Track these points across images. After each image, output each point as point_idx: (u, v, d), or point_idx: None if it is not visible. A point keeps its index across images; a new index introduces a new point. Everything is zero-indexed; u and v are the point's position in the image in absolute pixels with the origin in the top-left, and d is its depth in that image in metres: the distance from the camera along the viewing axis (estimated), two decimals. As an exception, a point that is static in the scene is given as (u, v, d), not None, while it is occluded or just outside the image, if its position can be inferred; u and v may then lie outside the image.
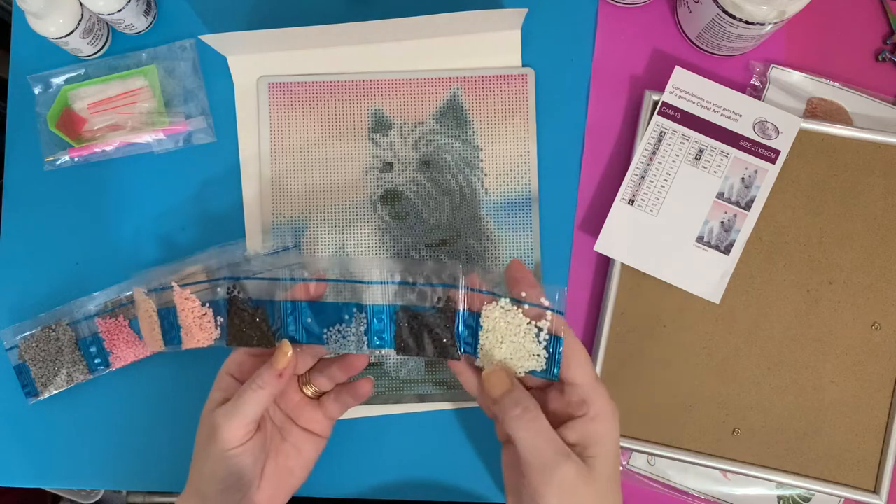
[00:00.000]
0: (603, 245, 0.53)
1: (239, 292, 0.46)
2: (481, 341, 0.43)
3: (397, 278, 0.45)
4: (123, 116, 0.56)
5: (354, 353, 0.45)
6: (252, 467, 0.43)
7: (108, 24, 0.57)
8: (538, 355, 0.43)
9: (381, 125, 0.57)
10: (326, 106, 0.57)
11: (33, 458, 0.55)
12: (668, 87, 0.54)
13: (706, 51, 0.57)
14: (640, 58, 0.58)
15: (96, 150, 0.56)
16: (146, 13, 0.56)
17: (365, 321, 0.44)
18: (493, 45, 0.57)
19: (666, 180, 0.53)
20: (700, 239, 0.52)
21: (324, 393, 0.48)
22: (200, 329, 0.46)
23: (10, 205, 0.57)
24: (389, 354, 0.55)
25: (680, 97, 0.53)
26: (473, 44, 0.57)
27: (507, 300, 0.43)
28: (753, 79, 0.57)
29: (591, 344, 0.55)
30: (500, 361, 0.43)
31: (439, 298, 0.44)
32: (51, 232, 0.57)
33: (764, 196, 0.53)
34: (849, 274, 0.53)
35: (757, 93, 0.56)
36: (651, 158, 0.53)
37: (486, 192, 0.56)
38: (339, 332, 0.45)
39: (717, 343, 0.53)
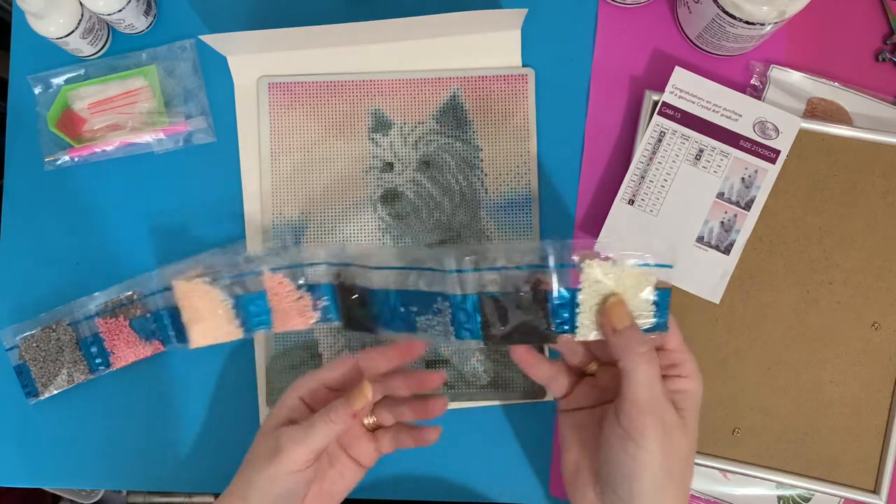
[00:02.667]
0: (603, 245, 0.53)
1: (345, 279, 0.47)
2: (580, 314, 0.41)
3: (473, 265, 0.42)
4: (123, 116, 0.56)
5: (443, 344, 0.45)
6: (303, 490, 0.44)
7: (108, 24, 0.57)
8: (649, 311, 0.41)
9: (381, 125, 0.57)
10: (326, 106, 0.57)
11: (33, 458, 0.55)
12: (668, 87, 0.54)
13: (706, 51, 0.57)
14: (640, 58, 0.58)
15: (96, 150, 0.56)
16: (146, 13, 0.56)
17: (450, 312, 0.43)
18: (493, 45, 0.57)
19: (666, 180, 0.53)
20: (700, 239, 0.52)
21: (380, 426, 0.48)
22: (298, 313, 0.48)
23: (10, 205, 0.57)
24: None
25: (680, 97, 0.53)
26: (473, 44, 0.57)
27: (604, 262, 0.41)
28: (753, 79, 0.57)
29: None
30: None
31: (526, 281, 0.41)
32: (51, 232, 0.57)
33: (764, 196, 0.53)
34: (849, 274, 0.53)
35: (757, 93, 0.56)
36: (651, 158, 0.53)
37: (486, 192, 0.56)
38: (429, 322, 0.44)
39: (717, 343, 0.53)
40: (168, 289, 0.51)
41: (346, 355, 0.52)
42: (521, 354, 0.45)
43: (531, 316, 0.41)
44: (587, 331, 0.42)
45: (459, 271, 0.42)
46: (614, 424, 0.40)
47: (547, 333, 0.42)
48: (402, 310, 0.44)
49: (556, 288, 0.41)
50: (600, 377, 0.45)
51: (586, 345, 0.45)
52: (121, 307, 0.54)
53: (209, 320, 0.49)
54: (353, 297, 0.46)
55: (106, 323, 0.54)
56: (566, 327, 0.42)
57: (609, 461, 0.41)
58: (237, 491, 0.44)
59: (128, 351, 0.54)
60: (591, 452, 0.43)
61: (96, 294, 0.55)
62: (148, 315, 0.53)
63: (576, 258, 0.41)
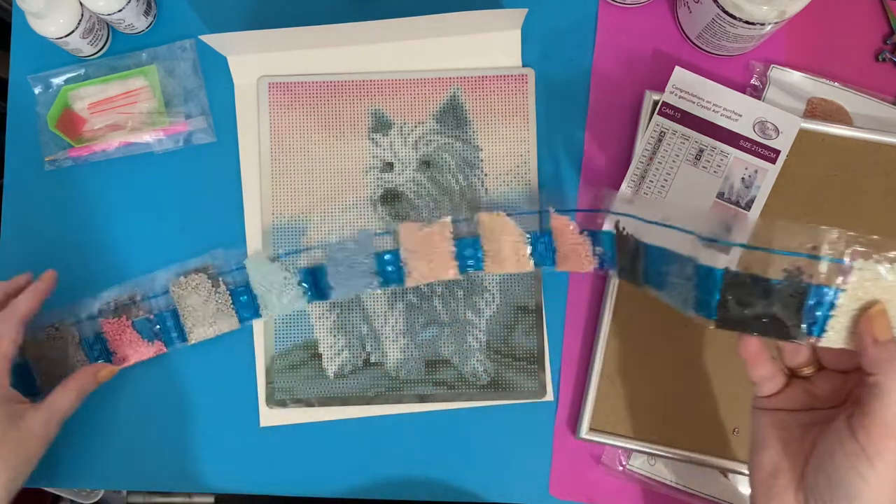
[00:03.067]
0: (603, 245, 0.53)
1: (624, 229, 0.48)
2: (833, 318, 0.37)
3: (737, 239, 0.38)
4: (123, 116, 0.56)
5: (680, 310, 0.42)
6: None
7: (108, 24, 0.57)
8: None
9: (381, 125, 0.57)
10: (326, 106, 0.57)
11: (33, 457, 0.55)
12: (668, 87, 0.54)
13: (706, 51, 0.57)
14: (640, 58, 0.58)
15: (96, 150, 0.56)
16: (146, 13, 0.56)
17: (694, 280, 0.40)
18: (493, 45, 0.57)
19: (666, 180, 0.53)
20: (700, 239, 0.52)
21: None
22: (579, 256, 0.51)
23: (10, 205, 0.57)
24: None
25: (680, 97, 0.53)
26: (473, 44, 0.57)
27: (883, 265, 0.36)
28: (753, 79, 0.57)
29: (591, 344, 0.55)
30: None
31: (784, 269, 0.36)
32: (51, 232, 0.57)
33: (764, 196, 0.53)
34: (849, 274, 0.53)
35: (757, 93, 0.56)
36: (651, 158, 0.53)
37: (486, 192, 0.56)
38: (678, 285, 0.41)
39: (718, 343, 0.53)
40: (167, 292, 0.53)
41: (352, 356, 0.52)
42: (752, 348, 0.41)
43: (778, 308, 0.37)
44: (836, 337, 0.37)
45: (712, 240, 0.38)
46: (847, 439, 0.37)
47: (792, 332, 0.37)
48: (664, 269, 0.43)
49: (821, 283, 0.36)
50: (817, 383, 0.42)
51: (814, 348, 0.42)
52: (124, 307, 0.54)
53: (509, 259, 0.52)
54: (629, 247, 0.47)
55: (109, 323, 0.54)
56: (814, 329, 0.37)
57: (828, 474, 0.37)
58: None
59: (130, 352, 0.54)
60: (795, 456, 0.40)
61: (101, 294, 0.55)
62: (151, 316, 0.54)
63: (847, 255, 0.36)
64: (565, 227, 0.51)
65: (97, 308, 0.54)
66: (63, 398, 0.49)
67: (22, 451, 0.46)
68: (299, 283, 0.54)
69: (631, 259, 0.48)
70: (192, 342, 0.54)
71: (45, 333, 0.54)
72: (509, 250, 0.52)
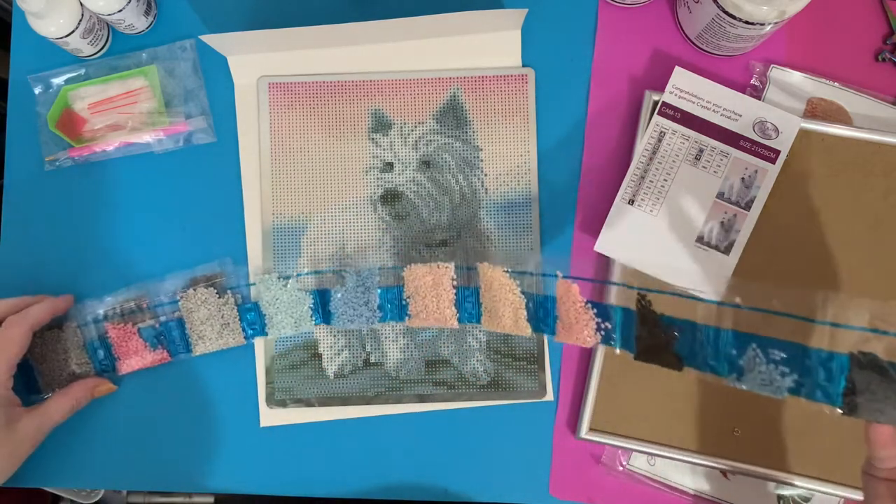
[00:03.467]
0: (603, 245, 0.53)
1: (649, 304, 0.44)
2: None
3: (862, 322, 0.37)
4: (124, 116, 0.56)
5: (772, 395, 0.40)
6: None
7: (108, 24, 0.57)
8: None
9: (381, 125, 0.57)
10: (326, 106, 0.57)
11: (33, 458, 0.55)
12: (668, 87, 0.54)
13: (706, 51, 0.57)
14: (640, 58, 0.58)
15: (96, 150, 0.56)
16: (146, 13, 0.56)
17: (800, 365, 0.39)
18: (493, 45, 0.57)
19: (666, 180, 0.53)
20: (700, 239, 0.52)
21: None
22: (581, 328, 0.46)
23: (10, 205, 0.57)
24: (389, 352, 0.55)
25: (680, 97, 0.53)
26: (473, 44, 0.57)
27: None
28: (753, 79, 0.57)
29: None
30: None
31: None
32: (51, 232, 0.57)
33: (764, 196, 0.53)
34: (848, 274, 0.53)
35: (757, 93, 0.56)
36: (651, 158, 0.53)
37: (486, 192, 0.56)
38: (764, 373, 0.40)
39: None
40: (176, 300, 0.54)
41: (344, 358, 0.53)
42: (885, 436, 0.39)
43: None
44: None
45: (834, 324, 0.37)
46: None
47: None
48: (734, 351, 0.41)
49: None
50: None
51: None
52: (130, 314, 0.54)
53: (507, 319, 0.49)
54: (657, 328, 0.43)
55: (115, 328, 0.54)
56: None
57: None
58: None
59: (135, 358, 0.54)
60: None
61: (106, 298, 0.55)
62: (157, 325, 0.54)
63: None
64: (567, 294, 0.48)
65: (102, 311, 0.54)
66: (58, 408, 0.51)
67: (12, 453, 0.49)
68: (309, 307, 0.54)
69: (661, 338, 0.44)
70: (197, 354, 0.54)
71: (51, 335, 0.54)
72: (507, 310, 0.50)
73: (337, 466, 0.55)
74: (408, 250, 0.56)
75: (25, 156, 0.57)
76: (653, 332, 0.44)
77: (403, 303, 0.52)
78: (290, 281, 0.54)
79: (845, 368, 0.38)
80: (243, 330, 0.54)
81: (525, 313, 0.49)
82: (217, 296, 0.54)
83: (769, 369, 0.41)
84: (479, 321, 0.51)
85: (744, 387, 0.42)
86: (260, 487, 0.55)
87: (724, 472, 0.54)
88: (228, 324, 0.54)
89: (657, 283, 0.45)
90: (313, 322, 0.54)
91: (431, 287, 0.51)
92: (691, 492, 0.54)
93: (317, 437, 0.55)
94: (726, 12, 0.50)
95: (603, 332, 0.47)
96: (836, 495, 0.52)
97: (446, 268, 0.52)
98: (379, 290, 0.53)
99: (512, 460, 0.55)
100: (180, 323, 0.54)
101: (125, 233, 0.57)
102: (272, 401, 0.55)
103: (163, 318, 0.54)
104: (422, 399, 0.55)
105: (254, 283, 0.54)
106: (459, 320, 0.52)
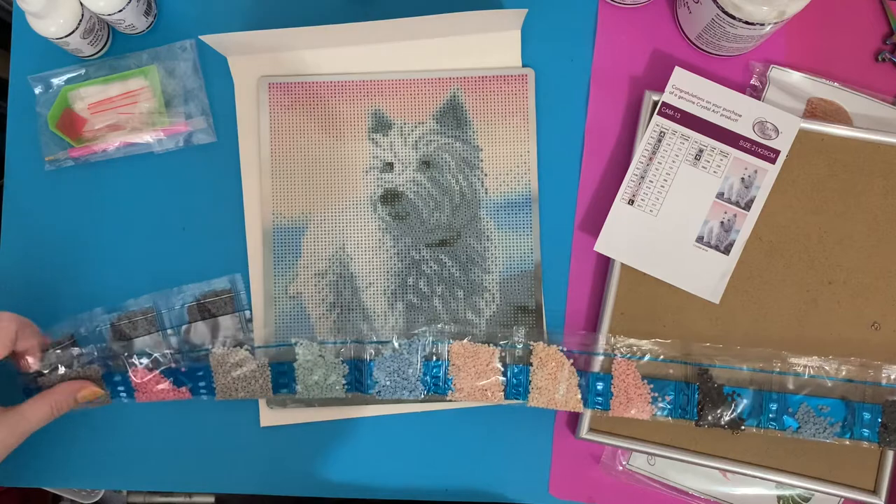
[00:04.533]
0: (603, 245, 0.53)
1: (710, 377, 0.51)
2: None
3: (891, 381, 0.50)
4: (124, 116, 0.56)
5: (824, 440, 0.51)
6: None
7: (108, 24, 0.57)
8: None
9: (381, 125, 0.57)
10: (326, 106, 0.57)
11: (33, 458, 0.55)
12: (668, 88, 0.54)
13: (706, 51, 0.57)
14: (640, 58, 0.58)
15: (97, 150, 0.56)
16: (146, 13, 0.56)
17: (845, 413, 0.50)
18: (493, 45, 0.57)
19: (666, 180, 0.53)
20: (700, 239, 0.52)
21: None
22: (637, 402, 0.51)
23: (10, 205, 0.57)
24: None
25: (680, 97, 0.53)
26: (473, 44, 0.57)
27: None
28: (753, 79, 0.57)
29: (591, 345, 0.55)
30: None
31: None
32: (51, 232, 0.57)
33: (764, 196, 0.53)
34: (848, 274, 0.53)
35: (757, 93, 0.56)
36: (651, 158, 0.53)
37: (486, 192, 0.56)
38: (818, 425, 0.50)
39: (717, 343, 0.53)
40: (206, 349, 0.53)
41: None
42: None
43: None
44: None
45: (875, 384, 0.50)
46: None
47: None
48: (790, 409, 0.51)
49: None
50: None
51: None
52: (154, 360, 0.52)
53: (560, 398, 0.52)
54: (721, 396, 0.51)
55: (138, 373, 0.52)
56: None
57: None
58: None
59: (155, 393, 0.53)
60: None
61: (117, 310, 0.54)
62: (184, 370, 0.53)
63: None
64: (625, 371, 0.52)
65: (109, 322, 0.54)
66: (35, 412, 0.47)
67: None
68: (344, 375, 0.53)
69: (724, 406, 0.51)
70: (219, 399, 0.53)
71: (66, 354, 0.52)
72: (562, 386, 0.51)
73: (337, 466, 0.55)
74: (408, 250, 0.56)
75: (25, 156, 0.57)
76: (716, 401, 0.50)
77: (448, 377, 0.53)
78: (328, 347, 0.53)
79: (879, 414, 0.50)
80: (272, 383, 0.53)
81: (579, 390, 0.51)
82: (252, 357, 0.53)
83: (820, 421, 0.50)
84: (525, 398, 0.52)
85: (801, 437, 0.51)
86: (260, 487, 0.55)
87: (724, 472, 0.54)
88: (257, 378, 0.53)
89: (715, 355, 0.52)
90: (345, 391, 0.53)
91: (476, 362, 0.53)
92: (691, 492, 0.54)
93: (317, 437, 0.55)
94: (726, 12, 0.50)
95: (660, 405, 0.51)
96: (836, 495, 0.52)
97: (493, 348, 0.53)
98: (424, 363, 0.53)
99: (512, 460, 0.55)
100: (207, 370, 0.53)
101: (125, 233, 0.57)
102: (272, 401, 0.55)
103: (173, 338, 0.54)
104: (422, 399, 0.55)
105: (291, 344, 0.53)
106: (506, 396, 0.52)
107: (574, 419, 0.55)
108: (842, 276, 0.53)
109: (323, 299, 0.55)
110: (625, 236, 0.53)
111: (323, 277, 0.56)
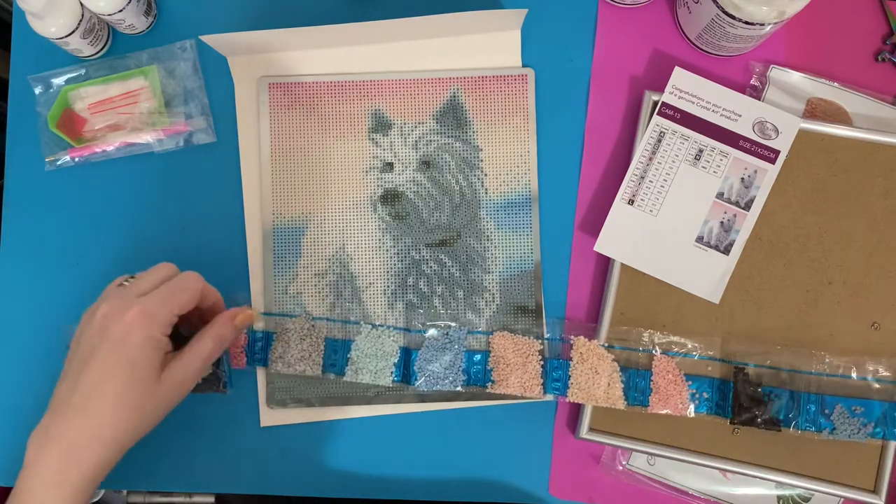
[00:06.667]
0: (603, 245, 0.53)
1: (747, 375, 0.51)
2: None
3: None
4: (124, 117, 0.56)
5: (859, 441, 0.52)
6: None
7: (108, 24, 0.57)
8: None
9: (381, 125, 0.57)
10: (326, 106, 0.57)
11: (33, 457, 0.55)
12: (668, 88, 0.54)
13: (706, 51, 0.57)
14: (640, 58, 0.58)
15: (97, 150, 0.56)
16: (146, 13, 0.56)
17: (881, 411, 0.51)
18: (493, 45, 0.57)
19: (666, 180, 0.53)
20: (700, 239, 0.52)
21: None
22: (675, 398, 0.52)
23: (10, 205, 0.57)
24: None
25: (680, 97, 0.54)
26: (473, 44, 0.57)
27: None
28: (753, 79, 0.57)
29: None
30: None
31: None
32: (51, 232, 0.57)
33: (763, 196, 0.53)
34: (848, 274, 0.53)
35: (757, 93, 0.56)
36: (651, 158, 0.53)
37: (486, 192, 0.56)
38: (853, 426, 0.51)
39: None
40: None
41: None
42: None
43: None
44: None
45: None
46: None
47: None
48: (826, 411, 0.51)
49: None
50: None
51: None
52: None
53: (600, 393, 0.52)
54: (758, 395, 0.51)
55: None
56: None
57: None
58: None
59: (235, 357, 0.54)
60: None
61: None
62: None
63: None
64: (665, 367, 0.52)
65: None
66: (202, 347, 0.46)
67: (158, 400, 0.45)
68: (394, 364, 0.54)
69: (762, 406, 0.51)
70: (272, 371, 0.54)
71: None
72: (603, 381, 0.52)
73: (337, 466, 0.55)
74: (408, 250, 0.56)
75: (26, 156, 0.57)
76: (752, 400, 0.51)
77: (489, 368, 0.53)
78: (385, 330, 0.54)
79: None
80: (323, 362, 0.54)
81: (620, 385, 0.52)
82: (312, 325, 0.54)
83: (854, 422, 0.51)
84: (565, 394, 0.52)
85: (836, 438, 0.51)
86: (260, 487, 0.55)
87: (724, 472, 0.54)
88: (311, 354, 0.54)
89: (752, 353, 0.52)
90: (392, 378, 0.54)
91: (518, 355, 0.53)
92: (691, 492, 0.54)
93: (317, 437, 0.55)
94: (726, 13, 0.50)
95: (697, 402, 0.52)
96: (836, 495, 0.52)
97: (533, 341, 0.53)
98: (466, 353, 0.54)
99: (512, 460, 0.55)
100: (267, 336, 0.54)
101: (125, 233, 0.57)
102: (272, 401, 0.55)
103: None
104: (422, 399, 0.55)
105: (354, 322, 0.55)
106: (545, 390, 0.53)
107: (574, 419, 0.55)
108: (842, 276, 0.53)
109: (323, 299, 0.55)
110: (625, 236, 0.53)
111: (323, 277, 0.56)
